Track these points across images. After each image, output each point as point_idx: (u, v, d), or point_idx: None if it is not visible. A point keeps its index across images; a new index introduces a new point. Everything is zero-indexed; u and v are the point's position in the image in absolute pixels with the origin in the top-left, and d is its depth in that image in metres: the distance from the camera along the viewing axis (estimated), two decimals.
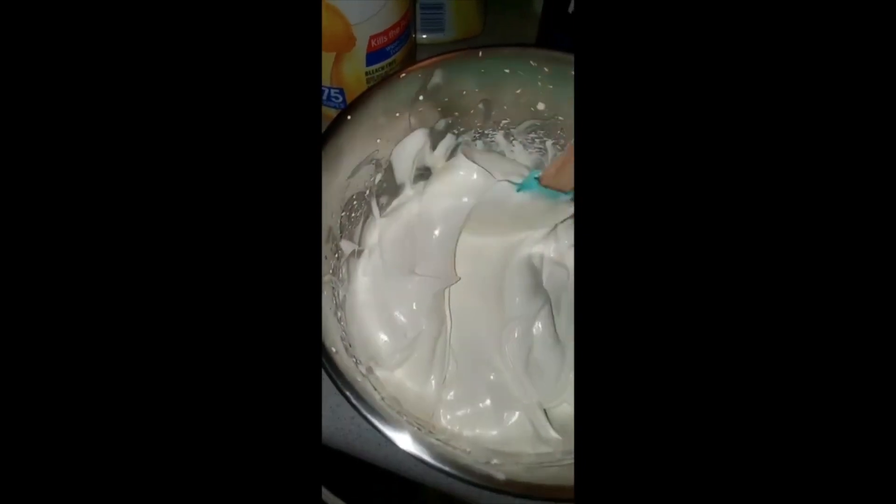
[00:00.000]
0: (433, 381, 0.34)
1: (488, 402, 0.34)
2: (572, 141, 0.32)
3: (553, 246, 0.39)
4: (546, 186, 0.34)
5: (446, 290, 0.36)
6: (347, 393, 0.25)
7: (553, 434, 0.33)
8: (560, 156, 0.35)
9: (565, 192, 0.34)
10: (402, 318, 0.35)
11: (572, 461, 0.29)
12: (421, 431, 0.28)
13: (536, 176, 0.35)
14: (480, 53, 0.33)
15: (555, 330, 0.35)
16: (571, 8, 0.39)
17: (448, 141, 0.37)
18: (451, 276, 0.36)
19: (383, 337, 0.34)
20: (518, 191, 0.36)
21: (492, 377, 0.35)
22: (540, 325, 0.35)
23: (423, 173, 0.38)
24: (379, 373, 0.33)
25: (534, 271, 0.37)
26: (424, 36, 0.50)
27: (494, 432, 0.33)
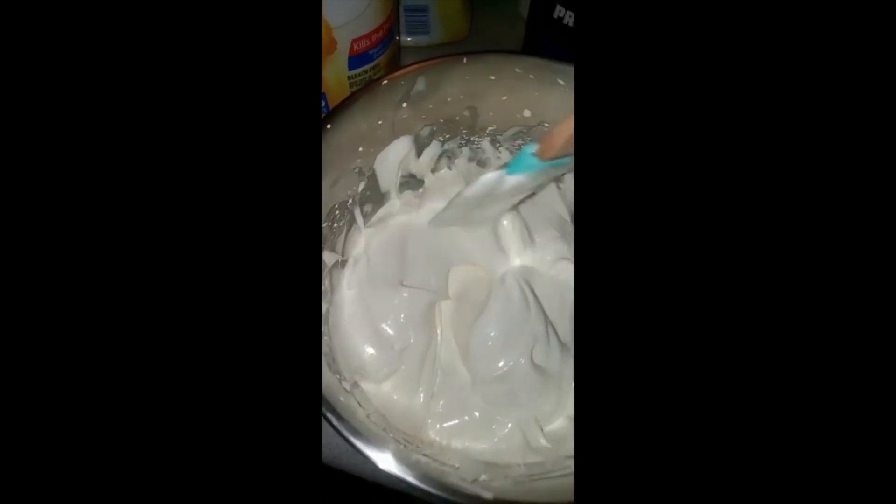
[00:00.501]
0: (422, 393, 0.33)
1: (477, 413, 0.33)
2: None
3: (536, 266, 0.37)
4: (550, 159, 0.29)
5: (437, 305, 0.35)
6: (329, 414, 0.25)
7: (543, 442, 0.32)
8: (557, 128, 0.30)
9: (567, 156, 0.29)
10: (390, 331, 0.34)
11: (563, 473, 0.29)
12: (407, 448, 0.27)
13: (532, 152, 0.29)
14: (465, 60, 0.33)
15: (535, 365, 0.33)
16: (557, 12, 0.39)
17: (434, 148, 0.37)
18: (444, 291, 0.35)
19: (370, 350, 0.34)
20: (510, 173, 0.31)
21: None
22: (523, 362, 0.33)
23: (409, 181, 0.38)
24: (365, 386, 0.32)
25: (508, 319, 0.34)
26: (409, 38, 0.50)
27: (484, 443, 0.33)
